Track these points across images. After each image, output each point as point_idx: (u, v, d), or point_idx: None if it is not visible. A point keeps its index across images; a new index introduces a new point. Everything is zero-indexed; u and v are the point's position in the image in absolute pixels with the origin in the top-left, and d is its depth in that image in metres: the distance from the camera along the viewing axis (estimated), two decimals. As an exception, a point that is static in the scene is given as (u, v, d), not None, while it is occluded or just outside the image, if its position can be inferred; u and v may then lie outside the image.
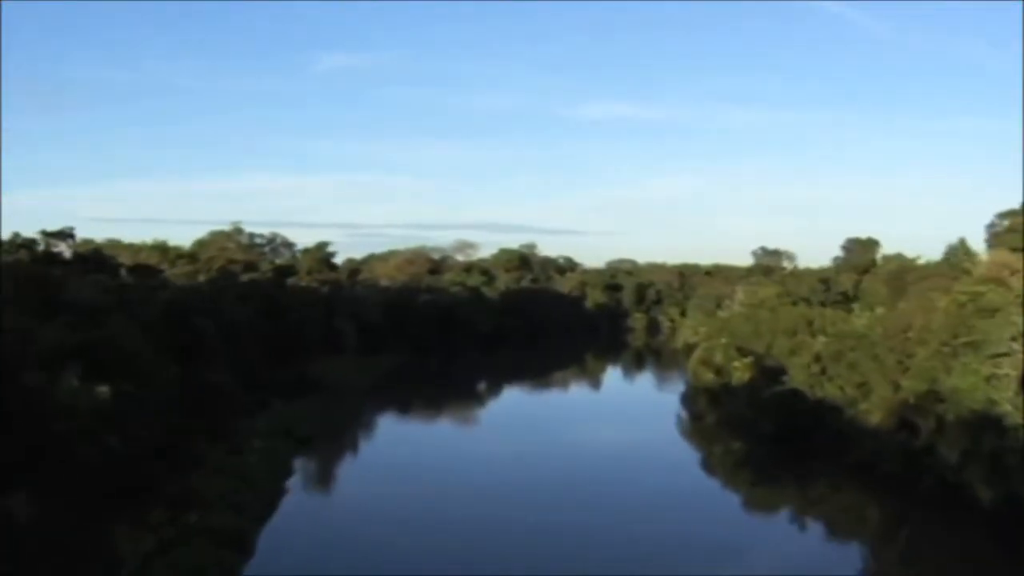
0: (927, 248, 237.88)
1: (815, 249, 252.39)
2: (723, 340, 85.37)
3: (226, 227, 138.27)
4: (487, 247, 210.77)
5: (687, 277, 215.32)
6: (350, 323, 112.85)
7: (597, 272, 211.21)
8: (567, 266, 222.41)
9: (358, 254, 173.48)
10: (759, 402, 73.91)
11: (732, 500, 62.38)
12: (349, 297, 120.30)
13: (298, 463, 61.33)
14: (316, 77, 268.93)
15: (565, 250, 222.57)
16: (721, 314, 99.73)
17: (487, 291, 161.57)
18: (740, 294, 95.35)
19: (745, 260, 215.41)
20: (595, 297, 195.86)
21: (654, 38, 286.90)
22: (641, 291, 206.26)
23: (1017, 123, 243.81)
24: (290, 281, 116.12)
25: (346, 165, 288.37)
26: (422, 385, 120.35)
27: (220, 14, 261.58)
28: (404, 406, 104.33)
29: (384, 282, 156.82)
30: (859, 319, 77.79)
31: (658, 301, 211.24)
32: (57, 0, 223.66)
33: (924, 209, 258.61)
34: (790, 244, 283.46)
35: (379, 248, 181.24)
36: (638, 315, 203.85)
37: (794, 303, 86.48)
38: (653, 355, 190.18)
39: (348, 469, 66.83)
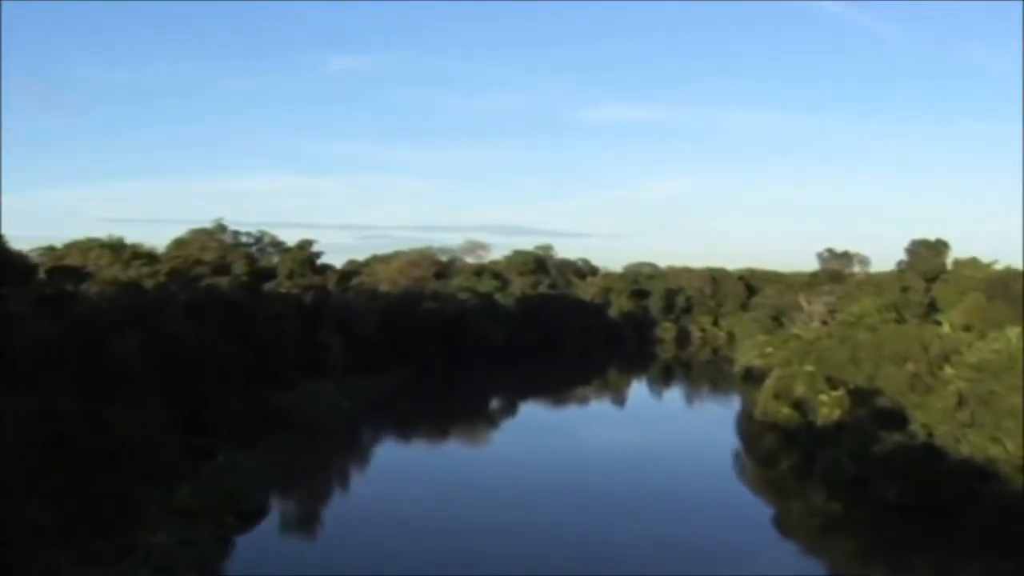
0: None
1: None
2: (807, 367, 66.34)
3: (208, 225, 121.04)
4: (499, 248, 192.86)
5: (720, 283, 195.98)
6: (338, 338, 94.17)
7: (619, 276, 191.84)
8: (586, 269, 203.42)
9: (366, 256, 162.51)
10: (870, 454, 54.87)
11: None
12: (339, 305, 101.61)
13: (233, 562, 41.93)
14: (324, 78, 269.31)
15: (571, 253, 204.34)
16: (795, 331, 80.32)
17: (500, 298, 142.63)
18: (817, 306, 76.10)
19: (769, 263, 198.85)
20: (620, 304, 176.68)
21: (658, 40, 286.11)
22: (670, 298, 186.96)
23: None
24: (268, 287, 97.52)
25: (354, 166, 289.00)
26: (423, 410, 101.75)
27: (227, 15, 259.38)
28: (400, 439, 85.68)
29: (384, 287, 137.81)
30: (993, 343, 58.28)
31: (688, 309, 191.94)
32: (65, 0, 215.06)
33: (930, 213, 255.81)
34: (797, 249, 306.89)
35: (387, 250, 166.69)
36: (667, 325, 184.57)
37: (898, 320, 67.19)
38: (682, 367, 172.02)
39: (316, 559, 46.90)
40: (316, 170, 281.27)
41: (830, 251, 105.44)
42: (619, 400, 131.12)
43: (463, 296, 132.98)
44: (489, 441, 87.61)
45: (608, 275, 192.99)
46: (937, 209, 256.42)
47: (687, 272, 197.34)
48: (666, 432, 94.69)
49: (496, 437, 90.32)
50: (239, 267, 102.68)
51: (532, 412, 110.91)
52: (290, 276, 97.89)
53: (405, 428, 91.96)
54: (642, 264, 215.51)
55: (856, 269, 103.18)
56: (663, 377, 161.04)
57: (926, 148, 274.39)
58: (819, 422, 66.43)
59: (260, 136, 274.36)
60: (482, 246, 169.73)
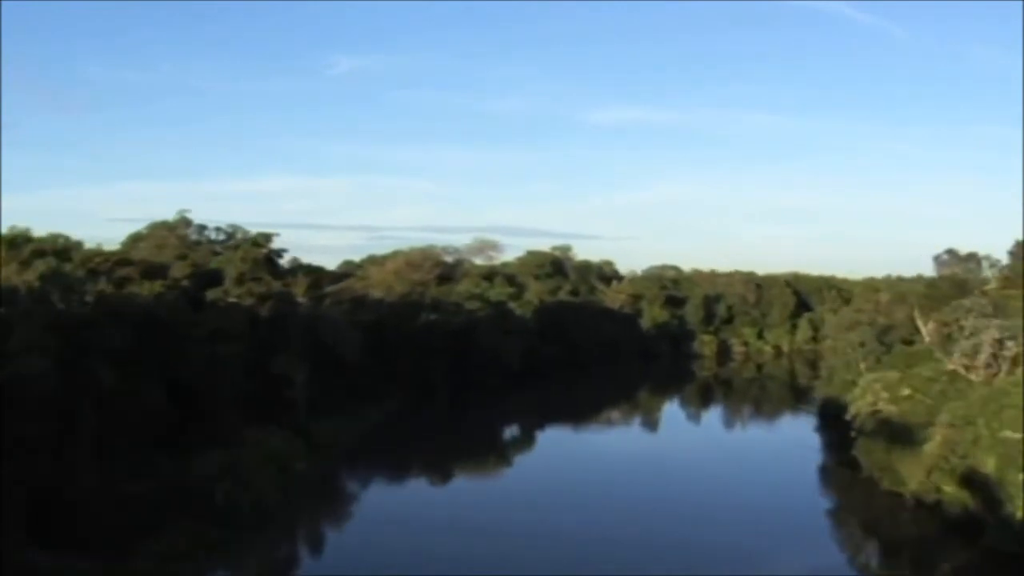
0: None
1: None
2: (1006, 431, 42.20)
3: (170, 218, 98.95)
4: (512, 250, 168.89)
5: (764, 289, 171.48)
6: (303, 364, 70.13)
7: (650, 281, 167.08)
8: (609, 272, 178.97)
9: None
10: None
11: None
12: (309, 320, 77.43)
13: None
14: (333, 79, 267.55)
15: (580, 255, 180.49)
16: (951, 365, 55.66)
17: (516, 307, 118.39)
18: (989, 332, 51.74)
19: (779, 267, 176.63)
20: (654, 314, 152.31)
21: (668, 42, 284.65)
22: (709, 307, 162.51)
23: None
24: (213, 296, 73.56)
25: (363, 167, 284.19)
26: (417, 451, 78.25)
27: (237, 16, 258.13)
28: (377, 511, 61.22)
29: (377, 293, 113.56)
30: None
31: (729, 319, 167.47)
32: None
33: (936, 218, 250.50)
34: (805, 252, 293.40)
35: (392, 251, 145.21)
36: (706, 337, 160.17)
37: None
38: (722, 387, 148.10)
39: None
40: (324, 171, 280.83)
41: (951, 253, 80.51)
42: (651, 424, 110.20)
43: (471, 305, 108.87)
44: (502, 493, 64.10)
45: (636, 279, 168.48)
46: (954, 213, 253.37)
47: (726, 277, 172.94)
48: (720, 480, 69.99)
49: (510, 485, 66.81)
50: (179, 269, 78.82)
51: (552, 448, 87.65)
52: (240, 281, 73.70)
53: (391, 482, 68.08)
54: (665, 267, 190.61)
55: (987, 274, 78.40)
56: (701, 399, 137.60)
57: (937, 152, 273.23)
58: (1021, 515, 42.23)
59: (268, 137, 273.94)
60: (492, 245, 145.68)
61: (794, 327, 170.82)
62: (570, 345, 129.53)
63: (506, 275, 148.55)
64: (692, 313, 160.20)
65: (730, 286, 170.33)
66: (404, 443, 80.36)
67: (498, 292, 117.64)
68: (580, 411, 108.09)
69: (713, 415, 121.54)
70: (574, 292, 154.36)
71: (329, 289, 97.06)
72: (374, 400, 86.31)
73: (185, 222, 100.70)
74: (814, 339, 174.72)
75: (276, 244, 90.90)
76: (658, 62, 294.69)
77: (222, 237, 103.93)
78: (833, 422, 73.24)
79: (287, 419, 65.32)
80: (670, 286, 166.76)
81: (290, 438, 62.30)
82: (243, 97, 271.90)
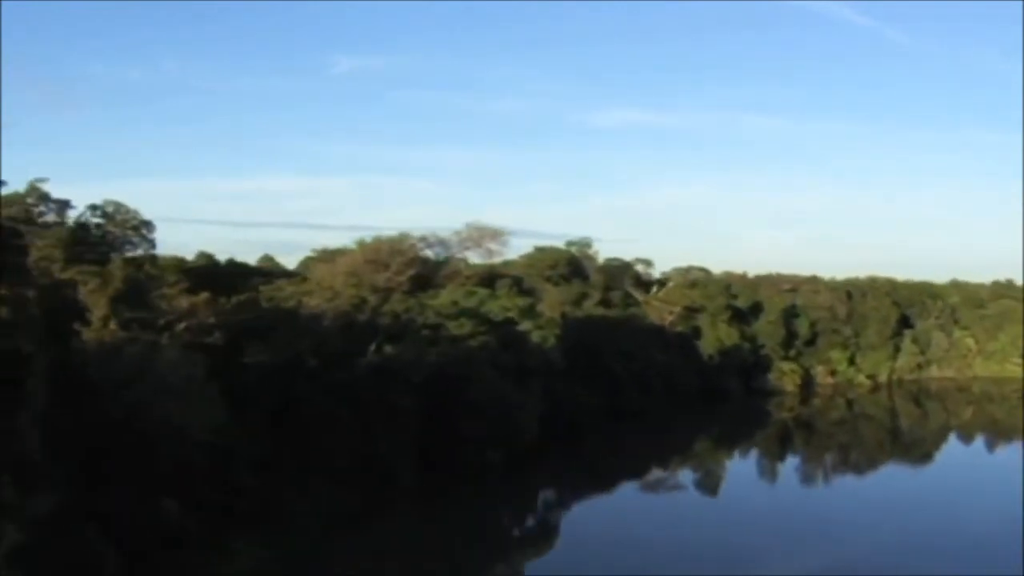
0: (947, 267, 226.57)
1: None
2: None
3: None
4: (514, 248, 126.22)
5: (856, 301, 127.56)
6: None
7: (706, 287, 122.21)
8: (645, 276, 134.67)
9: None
10: None
11: None
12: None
13: None
14: (333, 79, 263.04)
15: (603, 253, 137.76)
16: None
17: (529, 328, 73.37)
18: None
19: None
20: (718, 335, 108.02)
21: (668, 44, 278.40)
22: (789, 323, 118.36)
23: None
24: None
25: (363, 167, 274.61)
26: None
27: (237, 15, 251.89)
28: None
29: (319, 302, 68.78)
30: None
31: (811, 340, 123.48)
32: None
33: (941, 224, 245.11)
34: (806, 257, 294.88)
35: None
36: (786, 366, 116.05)
37: None
38: (803, 431, 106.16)
39: None
40: (324, 171, 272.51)
41: None
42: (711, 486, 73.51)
43: (459, 327, 64.58)
44: None
45: (686, 286, 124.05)
46: (946, 217, 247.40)
47: (808, 283, 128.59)
48: None
49: None
50: None
51: None
52: None
53: None
54: (690, 268, 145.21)
55: None
56: (778, 450, 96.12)
57: (936, 156, 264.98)
58: None
59: (268, 136, 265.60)
60: (493, 234, 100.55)
61: (896, 350, 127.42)
62: (609, 384, 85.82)
63: (513, 277, 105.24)
64: (767, 332, 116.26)
65: (812, 295, 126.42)
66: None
67: (503, 305, 73.17)
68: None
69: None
70: (604, 302, 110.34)
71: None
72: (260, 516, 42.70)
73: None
74: (919, 366, 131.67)
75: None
76: (659, 64, 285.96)
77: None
78: None
79: None
80: (742, 294, 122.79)
81: None
82: (243, 96, 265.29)
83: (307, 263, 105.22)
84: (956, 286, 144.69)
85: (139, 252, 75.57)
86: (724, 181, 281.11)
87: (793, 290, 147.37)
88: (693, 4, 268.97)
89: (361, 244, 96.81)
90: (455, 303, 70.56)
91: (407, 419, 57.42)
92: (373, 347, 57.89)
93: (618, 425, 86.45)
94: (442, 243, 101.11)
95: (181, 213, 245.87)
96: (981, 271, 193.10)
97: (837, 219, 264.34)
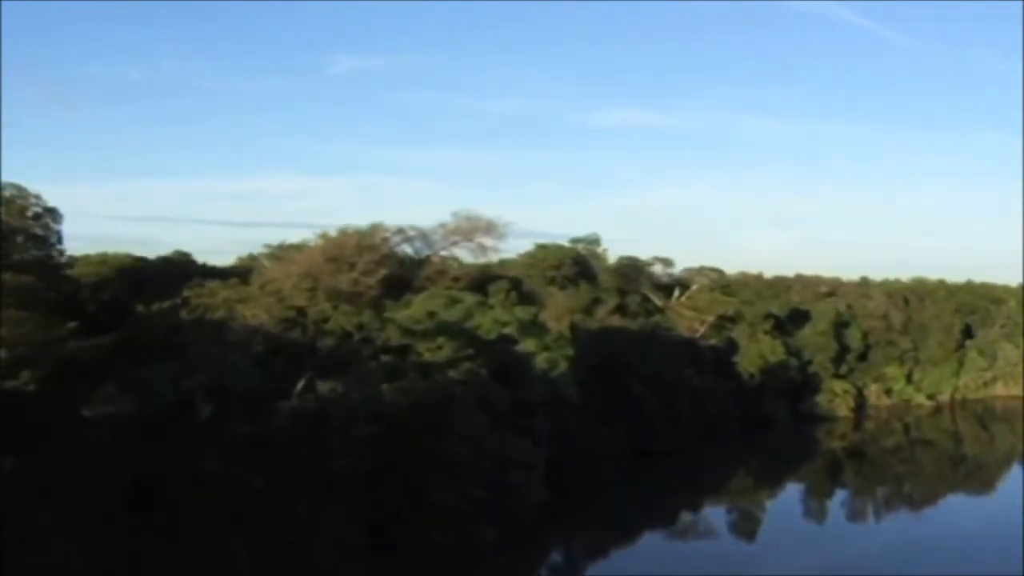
0: (949, 268, 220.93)
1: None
2: None
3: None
4: (512, 246, 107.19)
5: (913, 308, 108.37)
6: None
7: (742, 291, 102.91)
8: (666, 277, 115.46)
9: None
10: None
11: None
12: None
13: None
14: (332, 79, 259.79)
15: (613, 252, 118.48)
16: None
17: (534, 347, 54.09)
18: None
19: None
20: (761, 349, 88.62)
21: (668, 44, 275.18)
22: (839, 333, 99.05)
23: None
24: None
25: (363, 167, 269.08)
26: None
27: (236, 14, 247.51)
28: None
29: (253, 316, 49.82)
30: None
31: (863, 354, 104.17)
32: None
33: (943, 224, 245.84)
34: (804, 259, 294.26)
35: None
36: (838, 386, 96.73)
37: None
38: (854, 461, 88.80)
39: None
40: (324, 171, 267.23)
41: None
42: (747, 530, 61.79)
43: (435, 352, 45.56)
44: None
45: (715, 289, 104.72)
46: (946, 219, 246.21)
47: (857, 288, 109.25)
48: None
49: None
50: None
51: None
52: None
53: None
54: (702, 269, 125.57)
55: None
56: (826, 485, 79.95)
57: (936, 156, 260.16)
58: None
59: (268, 136, 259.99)
60: (487, 226, 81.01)
61: (959, 364, 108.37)
62: (634, 417, 66.89)
63: (511, 279, 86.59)
64: (815, 345, 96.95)
65: (861, 300, 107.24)
66: None
67: (497, 318, 53.86)
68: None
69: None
70: (620, 309, 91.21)
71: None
72: None
73: None
74: (984, 383, 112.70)
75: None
76: (659, 64, 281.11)
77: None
78: None
79: None
80: (775, 297, 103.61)
81: None
82: (243, 96, 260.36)
83: (248, 261, 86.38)
84: (1009, 291, 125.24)
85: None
86: (724, 181, 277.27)
87: (831, 294, 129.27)
88: (693, 4, 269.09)
89: (325, 237, 77.99)
90: (431, 315, 51.38)
91: (349, 488, 38.51)
92: (302, 384, 38.92)
93: (646, 469, 67.66)
94: (424, 237, 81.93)
95: (183, 213, 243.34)
96: (981, 271, 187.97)
97: (837, 219, 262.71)
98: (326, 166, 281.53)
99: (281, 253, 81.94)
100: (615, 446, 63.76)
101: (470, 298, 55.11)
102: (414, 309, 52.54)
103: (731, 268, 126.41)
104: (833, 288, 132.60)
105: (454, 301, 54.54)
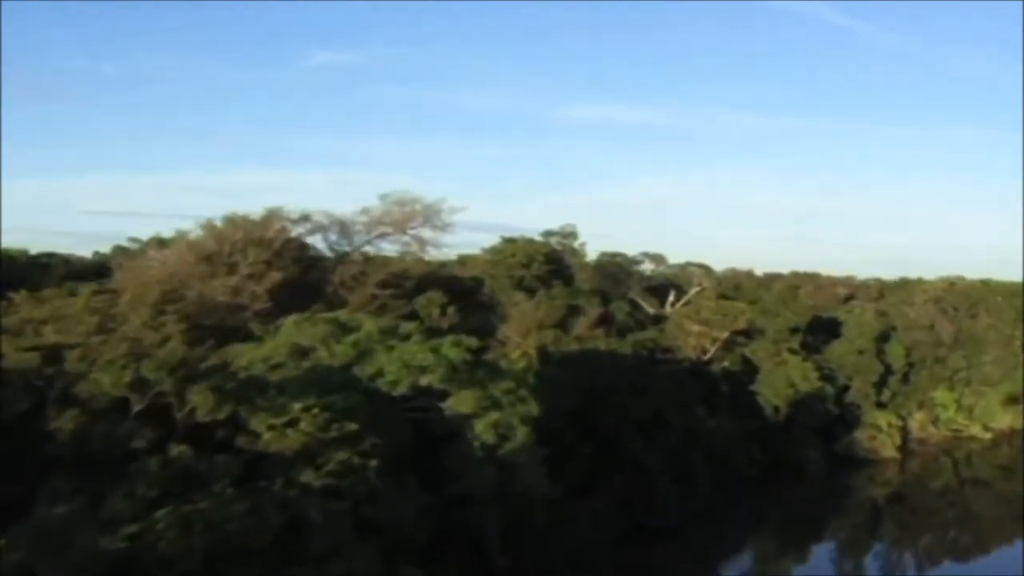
0: (939, 264, 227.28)
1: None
2: None
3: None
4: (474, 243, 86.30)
5: (962, 317, 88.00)
6: None
7: (763, 297, 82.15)
8: (658, 277, 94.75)
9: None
10: None
11: None
12: None
13: None
14: (306, 72, 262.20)
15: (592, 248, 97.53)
16: None
17: (471, 407, 33.20)
18: None
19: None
20: (788, 374, 67.77)
21: (645, 39, 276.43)
22: (880, 350, 78.40)
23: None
24: None
25: (337, 162, 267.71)
26: None
27: (210, 8, 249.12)
28: None
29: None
30: None
31: (904, 376, 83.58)
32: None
33: (927, 221, 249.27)
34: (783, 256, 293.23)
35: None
36: (882, 418, 75.99)
37: None
38: (897, 511, 70.38)
39: None
40: (299, 165, 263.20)
41: None
42: None
43: (277, 438, 24.83)
44: None
45: (723, 295, 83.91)
46: (933, 216, 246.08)
47: (899, 291, 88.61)
48: None
49: None
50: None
51: None
52: None
53: None
54: (687, 265, 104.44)
55: None
56: (863, 541, 63.86)
57: (920, 154, 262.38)
58: None
59: (243, 130, 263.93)
60: (426, 213, 59.23)
61: (1022, 386, 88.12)
62: (629, 486, 46.36)
63: (470, 281, 66.46)
64: (852, 366, 76.28)
65: (901, 307, 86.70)
66: None
67: (409, 358, 32.60)
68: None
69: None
70: (604, 320, 69.93)
71: None
72: None
73: None
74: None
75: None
76: (634, 60, 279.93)
77: None
78: None
79: None
80: (790, 303, 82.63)
81: None
82: (217, 89, 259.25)
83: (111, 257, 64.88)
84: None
85: None
86: (700, 177, 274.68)
87: (851, 297, 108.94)
88: (671, 2, 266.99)
89: (208, 227, 56.11)
90: (299, 354, 30.20)
91: None
92: None
93: (645, 551, 47.12)
94: (341, 227, 60.24)
95: (160, 207, 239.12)
96: (980, 272, 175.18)
97: (821, 217, 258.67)
98: (300, 160, 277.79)
99: (148, 249, 60.57)
100: (601, 532, 43.15)
101: (370, 324, 33.85)
102: (272, 345, 31.39)
103: (716, 265, 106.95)
104: (852, 291, 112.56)
105: (345, 329, 33.35)
